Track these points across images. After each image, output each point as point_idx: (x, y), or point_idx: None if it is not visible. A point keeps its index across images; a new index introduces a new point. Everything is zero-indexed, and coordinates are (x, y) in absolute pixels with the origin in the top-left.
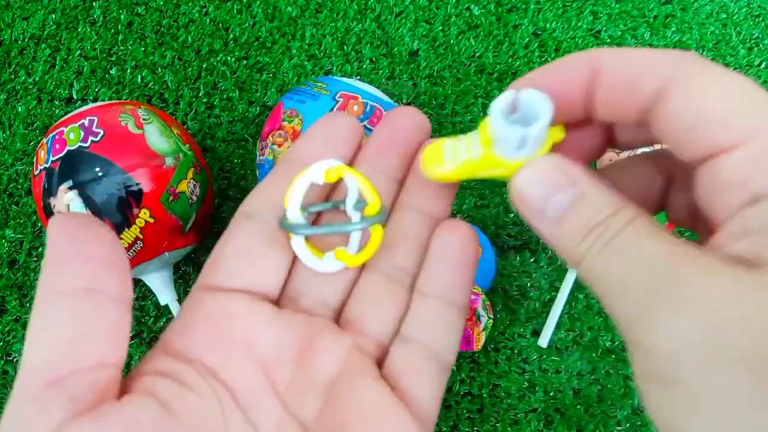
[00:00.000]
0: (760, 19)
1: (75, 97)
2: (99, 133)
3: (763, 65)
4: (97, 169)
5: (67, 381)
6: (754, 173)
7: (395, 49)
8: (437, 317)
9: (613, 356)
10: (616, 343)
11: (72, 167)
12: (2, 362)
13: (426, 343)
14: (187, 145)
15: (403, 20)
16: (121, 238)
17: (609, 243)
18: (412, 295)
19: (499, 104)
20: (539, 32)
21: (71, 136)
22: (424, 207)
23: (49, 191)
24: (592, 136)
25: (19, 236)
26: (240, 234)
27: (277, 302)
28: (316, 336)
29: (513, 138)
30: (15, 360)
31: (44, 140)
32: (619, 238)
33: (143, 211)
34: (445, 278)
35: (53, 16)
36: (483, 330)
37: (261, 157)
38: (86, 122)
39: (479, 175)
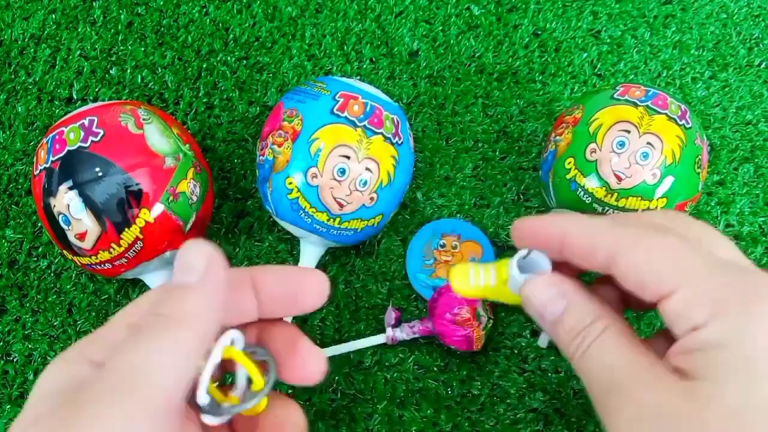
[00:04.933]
0: (760, 19)
1: (75, 97)
2: (99, 133)
3: (763, 65)
4: (97, 169)
5: None
6: (689, 310)
7: (395, 49)
8: None
9: None
10: None
11: (72, 167)
12: (2, 362)
13: None
14: (187, 145)
15: (403, 20)
16: (121, 238)
17: (587, 349)
18: None
19: (517, 260)
20: (539, 32)
21: (71, 136)
22: None
23: (49, 191)
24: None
25: (19, 236)
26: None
27: None
28: None
29: (522, 282)
30: (15, 360)
31: (44, 140)
32: (593, 347)
33: (143, 211)
34: None
35: (53, 16)
36: (483, 330)
37: (261, 157)
38: (86, 122)
39: (488, 298)
